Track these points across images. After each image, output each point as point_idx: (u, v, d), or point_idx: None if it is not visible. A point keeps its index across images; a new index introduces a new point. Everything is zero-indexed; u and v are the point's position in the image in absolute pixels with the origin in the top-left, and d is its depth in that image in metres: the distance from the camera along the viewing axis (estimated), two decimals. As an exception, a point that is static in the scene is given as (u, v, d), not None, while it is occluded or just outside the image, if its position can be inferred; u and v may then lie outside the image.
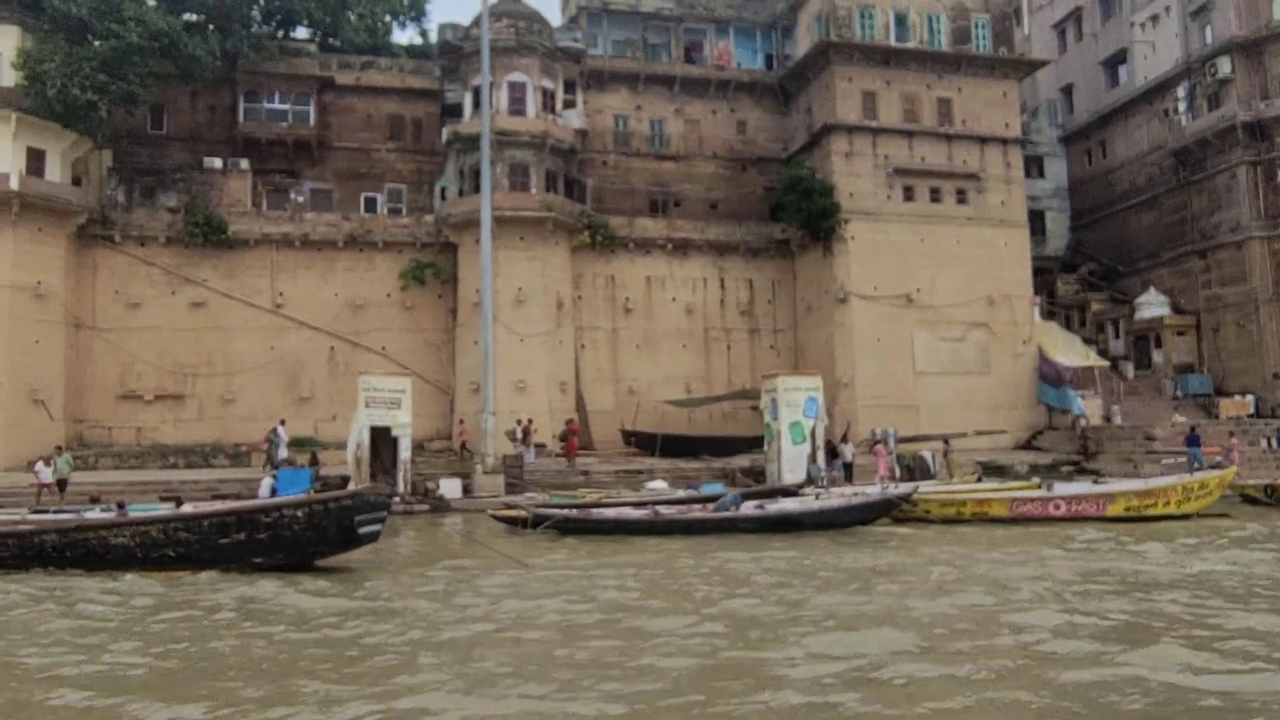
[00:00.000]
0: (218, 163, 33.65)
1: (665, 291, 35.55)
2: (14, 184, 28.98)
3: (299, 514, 12.59)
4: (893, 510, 18.33)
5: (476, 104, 33.90)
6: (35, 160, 30.12)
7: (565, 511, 17.67)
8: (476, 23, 34.40)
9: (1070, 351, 35.06)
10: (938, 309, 34.21)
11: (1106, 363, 35.21)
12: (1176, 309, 37.10)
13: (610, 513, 17.90)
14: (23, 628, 9.68)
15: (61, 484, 22.36)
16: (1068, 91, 44.36)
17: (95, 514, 17.92)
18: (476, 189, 33.27)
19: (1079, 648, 8.22)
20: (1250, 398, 32.76)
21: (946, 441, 30.04)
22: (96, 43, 29.67)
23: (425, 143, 35.92)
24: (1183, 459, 21.59)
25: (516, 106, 33.39)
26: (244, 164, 33.73)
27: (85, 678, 7.77)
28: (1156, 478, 19.78)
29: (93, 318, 31.66)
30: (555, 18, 38.16)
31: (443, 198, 35.08)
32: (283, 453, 26.30)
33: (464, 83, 34.48)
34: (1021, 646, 8.39)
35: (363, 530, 12.77)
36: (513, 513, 18.09)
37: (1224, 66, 35.25)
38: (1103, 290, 41.00)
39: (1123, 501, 18.36)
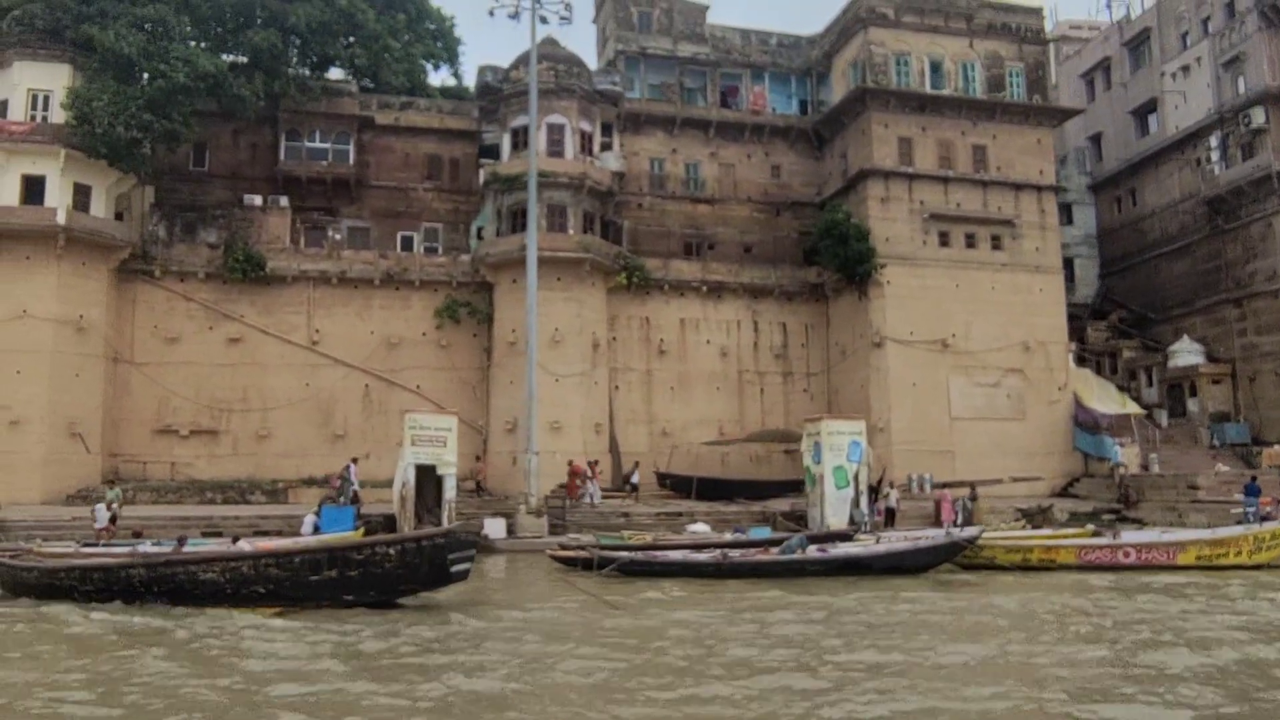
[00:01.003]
0: (258, 200, 33.93)
1: (699, 334, 35.56)
2: (61, 218, 29.26)
3: (391, 552, 12.50)
4: (958, 554, 18.14)
5: (515, 145, 34.24)
6: (81, 196, 30.43)
7: (630, 554, 17.51)
8: (516, 65, 34.93)
9: (1105, 399, 34.90)
10: (973, 354, 34.15)
11: (1144, 410, 34.98)
12: (1211, 357, 36.92)
13: (676, 555, 17.74)
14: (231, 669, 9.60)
15: (111, 519, 22.24)
16: (1096, 140, 44.59)
17: (146, 548, 17.88)
18: (514, 229, 33.61)
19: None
20: (1290, 448, 32.46)
21: (973, 488, 29.91)
22: (144, 82, 30.06)
23: (462, 182, 36.19)
24: (1252, 508, 21.32)
25: (555, 148, 33.67)
26: (284, 201, 34.02)
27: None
28: (1226, 527, 19.53)
29: (130, 352, 31.76)
30: (591, 61, 38.53)
31: (479, 237, 35.27)
32: (354, 491, 26.22)
33: (502, 124, 34.81)
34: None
35: (454, 569, 12.66)
36: (571, 553, 17.93)
37: (1258, 117, 35.41)
38: (1133, 337, 40.88)
39: (1194, 550, 18.14)
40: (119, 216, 32.01)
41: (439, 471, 23.43)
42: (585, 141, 34.43)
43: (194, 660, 9.98)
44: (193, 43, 31.68)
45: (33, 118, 30.10)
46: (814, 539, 19.03)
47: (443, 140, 36.31)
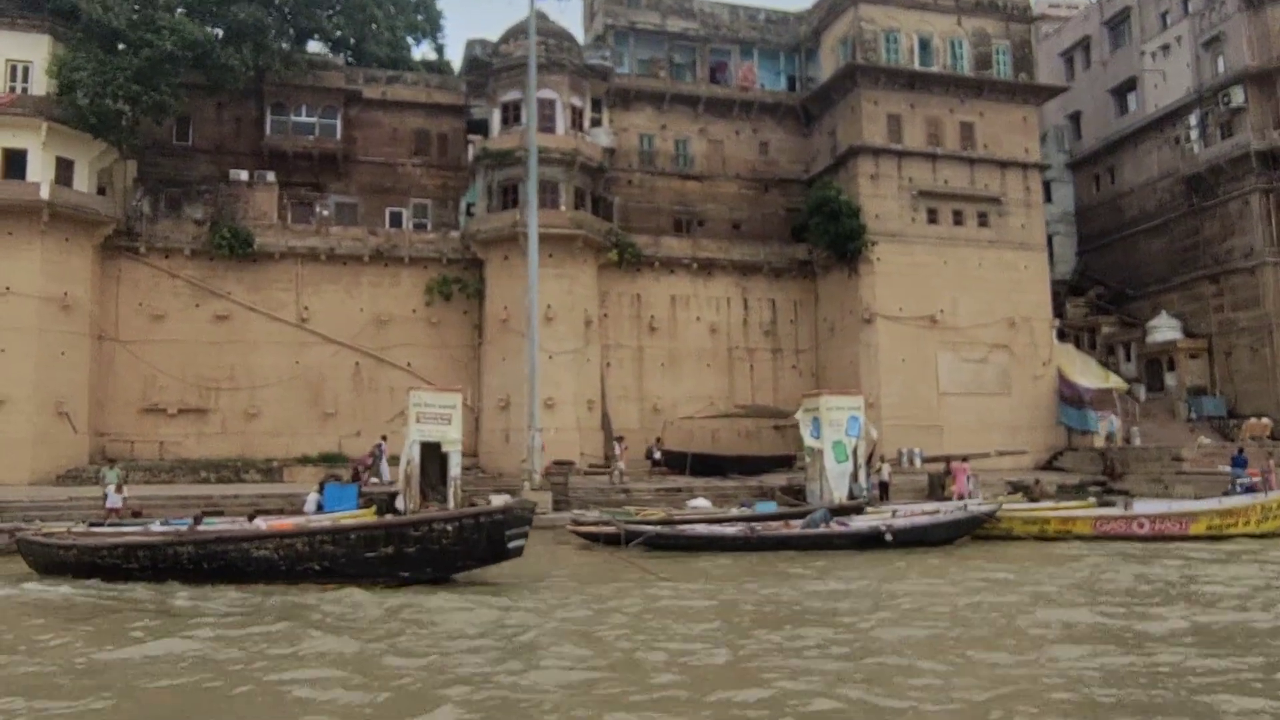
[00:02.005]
0: (244, 175, 33.40)
1: (689, 311, 35.64)
2: (44, 193, 28.61)
3: (449, 528, 12.47)
4: (979, 527, 18.46)
5: (505, 120, 33.98)
6: (64, 170, 29.76)
7: (657, 528, 17.62)
8: (506, 39, 34.61)
9: (1088, 373, 35.55)
10: (960, 330, 34.57)
11: (1126, 385, 35.68)
12: (1188, 332, 37.69)
13: (703, 529, 17.88)
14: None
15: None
16: (1075, 118, 45.09)
17: (157, 528, 17.70)
18: (505, 205, 33.41)
19: None
20: (1267, 420, 33.29)
21: (948, 463, 30.44)
22: (128, 52, 29.36)
23: (450, 158, 35.87)
24: (1242, 479, 21.91)
25: (546, 124, 33.38)
26: (270, 177, 33.53)
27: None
28: (1234, 497, 20.06)
29: (116, 330, 31.23)
30: (579, 36, 38.25)
31: (468, 213, 35.01)
32: (384, 469, 26.07)
33: (491, 99, 34.48)
34: None
35: (511, 545, 12.68)
36: (593, 528, 18.00)
37: (1237, 96, 36.02)
38: (1111, 313, 41.59)
39: (1205, 520, 18.64)
40: (101, 191, 31.34)
41: (444, 449, 23.34)
42: (576, 117, 34.23)
43: (400, 637, 9.89)
44: (178, 12, 30.93)
45: (11, 89, 29.32)
46: (832, 512, 19.25)
47: (430, 115, 35.93)
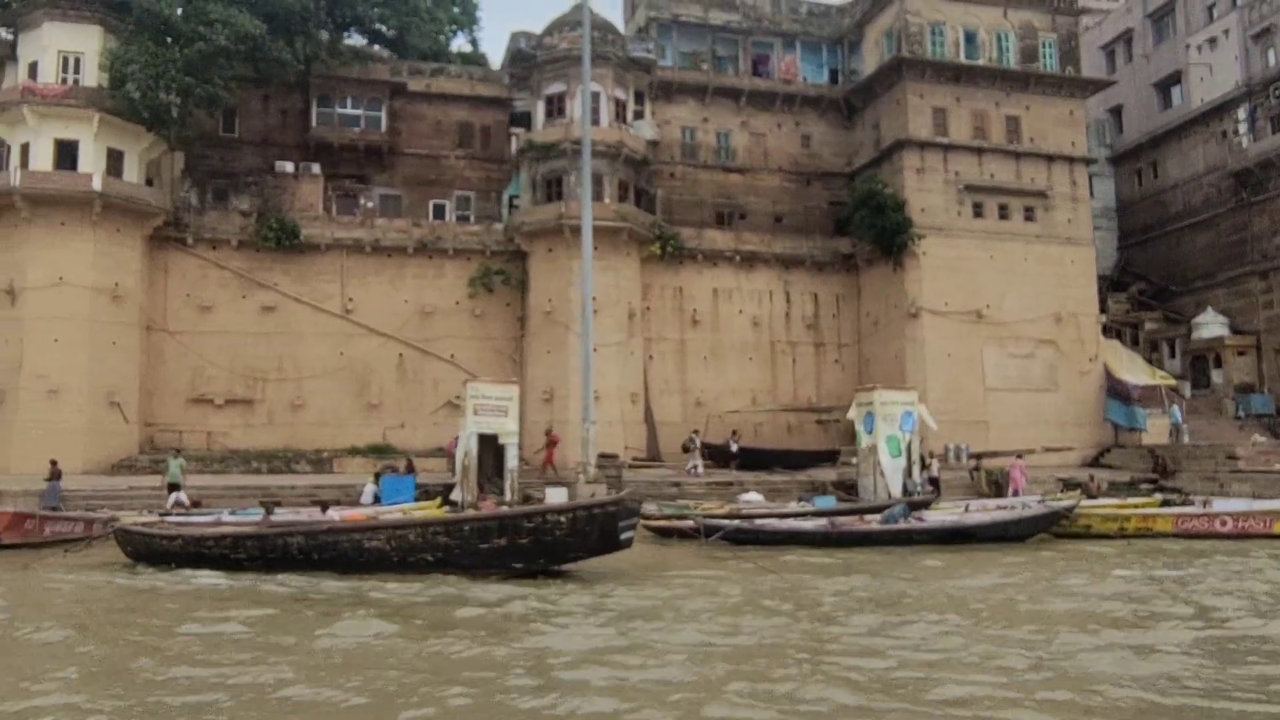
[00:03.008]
0: (289, 167, 33.46)
1: (732, 304, 35.53)
2: (97, 184, 28.76)
3: (562, 519, 12.46)
4: (1057, 523, 18.33)
5: (549, 112, 33.94)
6: (114, 161, 29.92)
7: (736, 523, 17.58)
8: (549, 31, 34.57)
9: (1135, 370, 35.23)
10: (1007, 325, 34.33)
11: (1174, 381, 35.36)
12: (1235, 329, 37.30)
13: (783, 524, 17.82)
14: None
15: (173, 487, 22.05)
16: (1116, 112, 44.66)
17: (227, 518, 17.78)
18: (550, 198, 33.39)
19: None
20: (1319, 418, 32.95)
21: (979, 459, 30.35)
22: (180, 44, 29.43)
23: (493, 150, 35.82)
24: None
25: (591, 116, 33.23)
26: (315, 169, 33.59)
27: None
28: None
29: (164, 320, 31.38)
30: (619, 28, 38.07)
31: (511, 206, 35.00)
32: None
33: (535, 91, 34.44)
34: None
35: (623, 536, 12.68)
36: (666, 522, 17.95)
37: (1288, 89, 35.59)
38: (1154, 309, 41.22)
39: (1292, 518, 18.47)
40: (149, 183, 31.49)
41: (500, 441, 23.35)
42: (619, 109, 34.15)
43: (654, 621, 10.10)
44: (229, 6, 30.95)
45: (64, 80, 29.47)
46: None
47: (474, 107, 35.87)
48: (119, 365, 29.44)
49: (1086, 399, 34.62)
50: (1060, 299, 34.87)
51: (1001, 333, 34.24)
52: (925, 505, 20.39)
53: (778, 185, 37.64)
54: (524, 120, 35.28)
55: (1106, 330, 39.03)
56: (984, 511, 18.79)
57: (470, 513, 14.09)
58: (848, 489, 26.66)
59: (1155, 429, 33.11)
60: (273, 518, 16.37)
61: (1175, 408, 32.27)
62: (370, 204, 34.32)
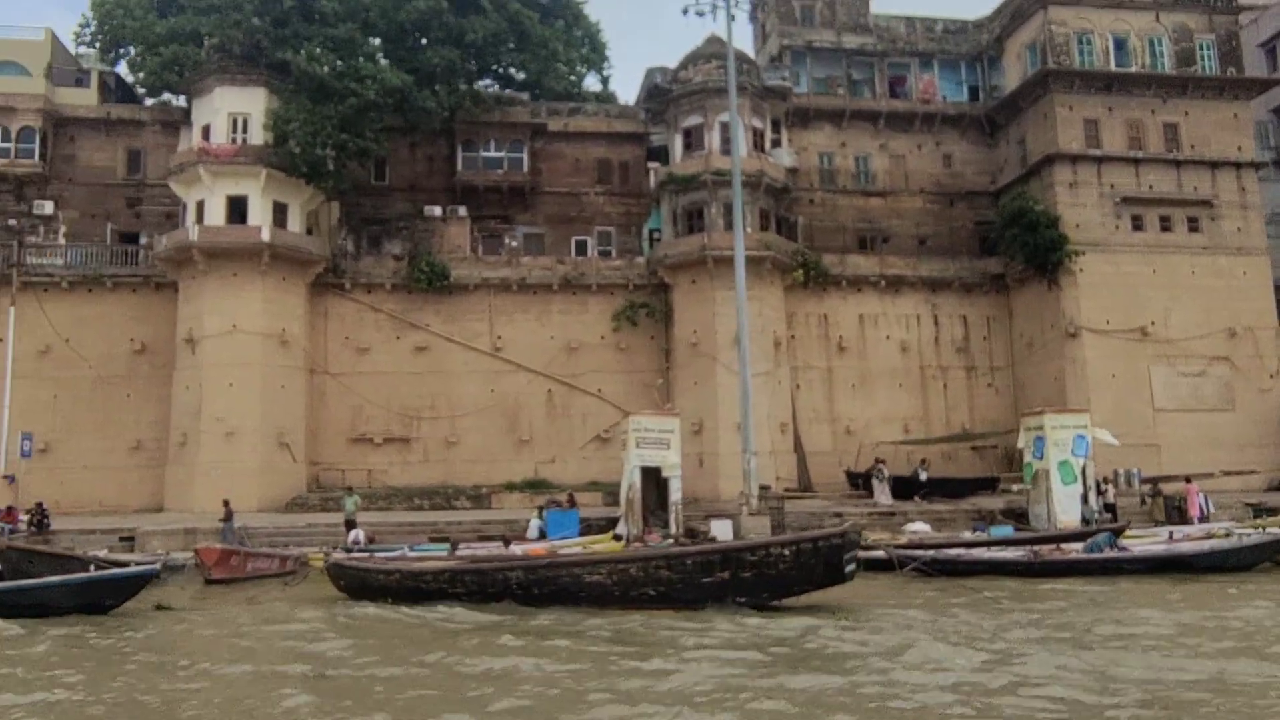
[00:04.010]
0: (437, 210, 34.53)
1: (879, 329, 34.83)
2: (265, 235, 30.24)
3: (786, 552, 12.32)
4: (1280, 551, 17.16)
5: (687, 145, 34.12)
6: (279, 213, 31.42)
7: (932, 553, 17.06)
8: (684, 65, 34.87)
9: (1321, 386, 32.89)
10: (1174, 343, 32.60)
11: (1367, 398, 32.86)
12: None
13: (983, 553, 17.21)
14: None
15: (350, 524, 22.76)
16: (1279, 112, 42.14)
17: (410, 553, 18.16)
18: (691, 230, 33.47)
19: None
20: None
21: (1155, 484, 28.58)
22: (335, 101, 30.81)
23: (631, 185, 36.18)
24: None
25: (729, 147, 33.24)
26: (462, 211, 34.56)
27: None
28: None
29: (325, 363, 32.62)
30: (750, 56, 38.11)
31: (651, 240, 35.25)
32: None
33: (672, 125, 34.69)
34: None
35: (848, 569, 12.45)
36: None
37: None
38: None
39: None
40: (309, 232, 32.94)
41: (664, 474, 23.29)
42: (757, 138, 34.06)
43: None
44: (378, 60, 32.35)
45: (233, 140, 31.19)
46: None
47: (611, 144, 36.38)
48: (287, 407, 30.73)
49: (1269, 418, 32.47)
50: (1233, 313, 32.93)
51: (1169, 350, 32.52)
52: (1119, 533, 19.31)
53: (920, 207, 36.84)
54: (660, 154, 35.58)
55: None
56: (1191, 540, 17.64)
57: (693, 546, 13.94)
58: (1018, 517, 25.56)
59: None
60: (458, 553, 16.62)
61: None
62: (515, 243, 35.08)
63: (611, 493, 30.28)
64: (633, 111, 37.09)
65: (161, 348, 31.43)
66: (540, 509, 24.30)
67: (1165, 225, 33.44)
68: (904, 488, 28.90)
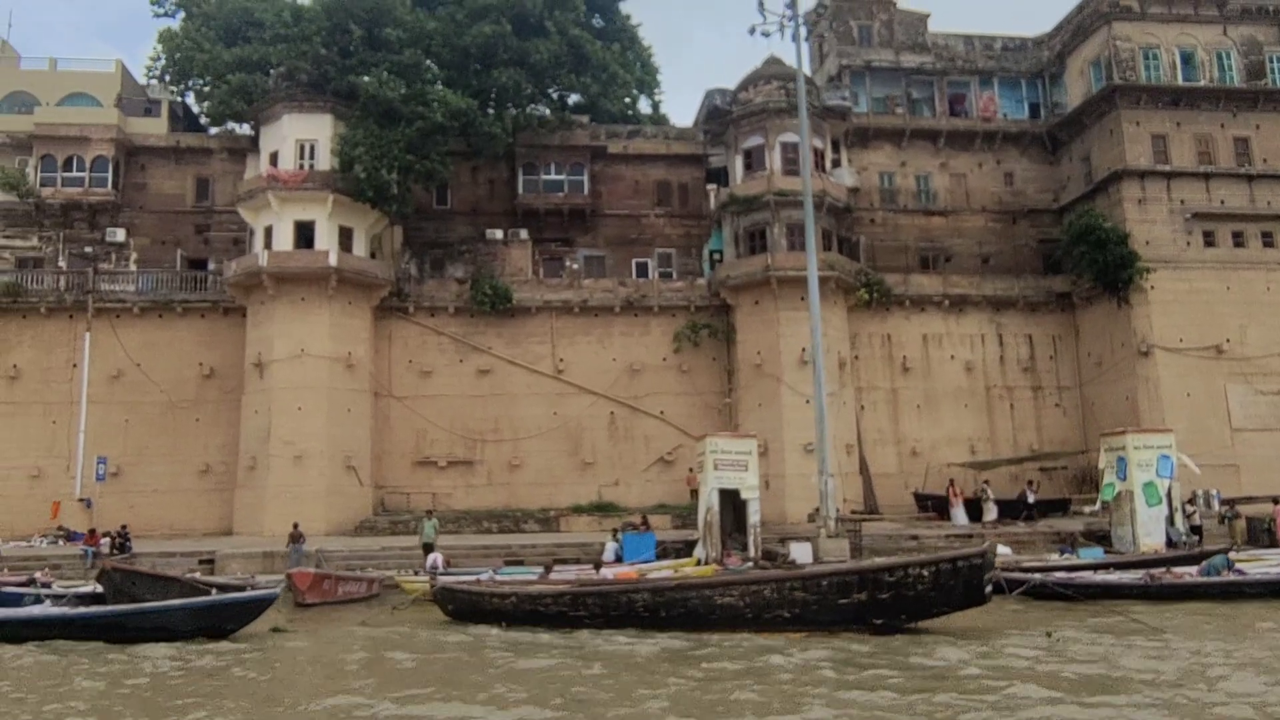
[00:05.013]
0: (499, 234, 34.68)
1: (943, 349, 34.41)
2: (332, 260, 30.50)
3: (925, 573, 12.08)
4: None
5: (747, 166, 34.05)
6: (345, 238, 31.71)
7: (1039, 576, 16.68)
8: (744, 86, 34.87)
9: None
10: (1251, 360, 31.90)
11: None
12: None
13: (1096, 576, 16.81)
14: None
15: (428, 548, 22.71)
16: (1347, 126, 41.31)
17: (495, 576, 18.02)
18: (752, 250, 33.35)
19: None
20: None
21: (1233, 506, 27.77)
22: (401, 125, 31.10)
23: (691, 207, 36.17)
24: None
25: (790, 167, 33.21)
26: (523, 234, 34.68)
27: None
28: None
29: (389, 386, 32.76)
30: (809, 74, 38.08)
31: (711, 261, 35.15)
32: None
33: (732, 146, 34.66)
34: None
35: (987, 589, 12.19)
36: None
37: None
38: None
39: None
40: (373, 256, 33.20)
41: (742, 496, 23.05)
42: (818, 158, 33.89)
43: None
44: (441, 85, 32.66)
45: (301, 166, 31.57)
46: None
47: (670, 166, 36.42)
48: (354, 430, 30.85)
49: (1353, 438, 31.58)
50: (1312, 329, 32.16)
51: (1246, 368, 31.81)
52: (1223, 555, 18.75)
53: (982, 225, 36.48)
54: (719, 176, 35.55)
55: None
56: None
57: (829, 567, 13.73)
58: (1100, 539, 24.97)
59: None
60: (551, 575, 16.48)
61: None
62: (575, 265, 35.13)
63: (680, 515, 30.17)
64: (691, 133, 37.13)
65: (230, 372, 31.74)
66: (615, 531, 24.12)
67: (1238, 241, 32.83)
68: (1010, 509, 28.47)
